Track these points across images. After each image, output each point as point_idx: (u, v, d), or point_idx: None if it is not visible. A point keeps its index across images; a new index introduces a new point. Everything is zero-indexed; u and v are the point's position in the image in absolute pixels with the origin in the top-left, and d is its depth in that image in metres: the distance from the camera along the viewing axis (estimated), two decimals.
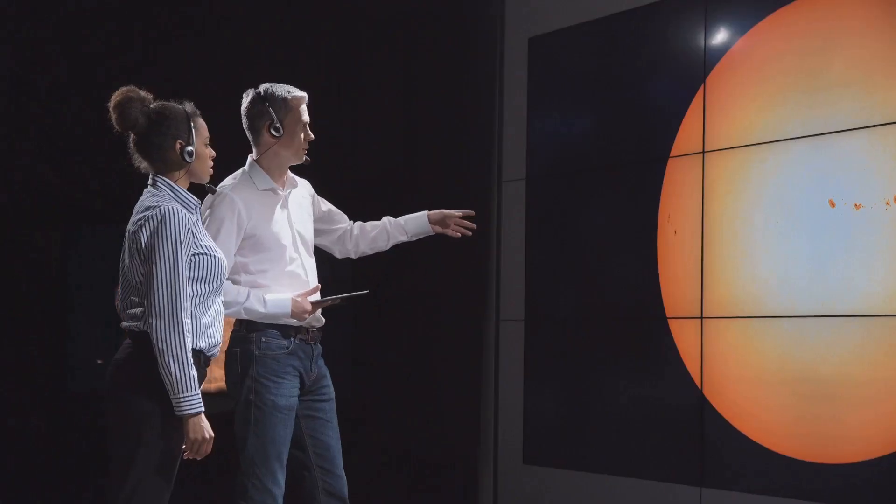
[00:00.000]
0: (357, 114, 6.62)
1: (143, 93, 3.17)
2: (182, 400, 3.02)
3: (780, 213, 4.62)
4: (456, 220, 3.99)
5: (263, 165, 3.69)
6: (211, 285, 3.16)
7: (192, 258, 3.11)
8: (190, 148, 3.17)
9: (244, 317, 3.59)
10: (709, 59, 4.94)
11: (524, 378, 5.76)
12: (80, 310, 6.69)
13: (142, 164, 3.21)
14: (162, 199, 3.13)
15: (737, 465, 4.75)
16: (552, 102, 5.72)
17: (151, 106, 3.17)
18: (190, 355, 3.03)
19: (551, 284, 5.68)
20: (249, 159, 3.72)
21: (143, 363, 3.07)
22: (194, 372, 3.04)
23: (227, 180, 3.68)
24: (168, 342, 3.02)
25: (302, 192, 3.83)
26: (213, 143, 3.31)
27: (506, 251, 5.87)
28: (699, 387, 4.92)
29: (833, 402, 4.40)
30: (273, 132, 3.66)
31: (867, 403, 4.29)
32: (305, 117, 3.71)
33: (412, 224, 3.98)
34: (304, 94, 3.73)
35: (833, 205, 4.43)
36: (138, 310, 3.11)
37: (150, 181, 3.20)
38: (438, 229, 3.99)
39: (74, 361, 6.69)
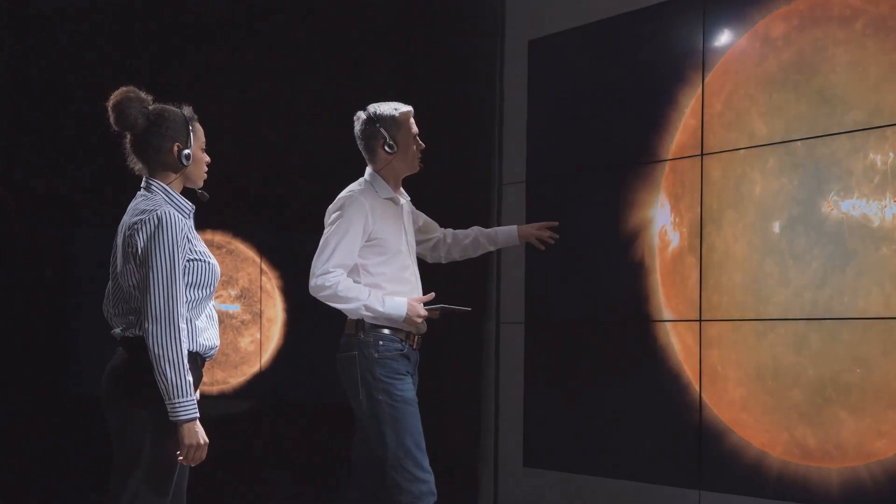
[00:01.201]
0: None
1: (142, 94, 3.15)
2: (177, 405, 2.97)
3: (779, 216, 4.61)
4: (542, 234, 4.27)
5: (382, 177, 3.95)
6: (204, 291, 3.15)
7: (187, 264, 3.08)
8: (187, 151, 3.15)
9: (363, 313, 3.79)
10: (707, 62, 4.94)
11: (524, 381, 5.76)
12: (82, 312, 6.70)
13: (137, 165, 3.18)
14: (156, 202, 3.10)
15: (735, 468, 4.74)
16: (552, 105, 5.72)
17: (150, 107, 3.15)
18: (186, 360, 2.99)
19: (552, 287, 5.68)
20: (369, 170, 3.97)
21: (139, 370, 3.04)
22: (190, 377, 3.00)
23: (354, 186, 3.92)
24: (164, 347, 2.97)
25: (409, 205, 4.10)
26: (210, 147, 3.33)
27: (506, 254, 5.86)
28: (698, 389, 4.92)
29: (832, 406, 4.40)
30: (388, 149, 3.91)
31: (866, 407, 4.29)
32: (415, 129, 4.00)
33: (502, 236, 4.30)
34: (410, 108, 4.01)
35: (832, 207, 4.43)
36: (132, 316, 3.09)
37: (143, 184, 3.17)
38: (524, 240, 4.30)
39: (76, 364, 6.70)
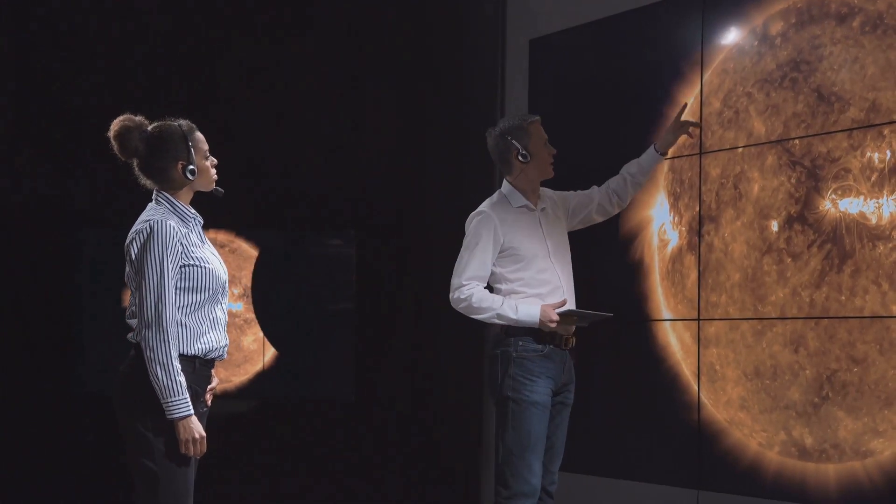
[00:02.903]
0: (358, 117, 6.63)
1: (138, 119, 3.30)
2: (170, 404, 3.15)
3: (777, 214, 4.61)
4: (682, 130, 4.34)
5: (518, 186, 4.12)
6: (203, 294, 3.28)
7: (183, 269, 3.24)
8: (191, 167, 3.30)
9: (497, 321, 3.99)
10: (706, 60, 4.93)
11: None
12: (85, 313, 6.73)
13: (147, 182, 3.35)
14: (159, 212, 3.26)
15: (734, 467, 4.73)
16: (553, 104, 5.72)
17: (149, 129, 3.30)
18: (176, 362, 3.17)
19: None
20: (505, 182, 4.17)
21: (143, 372, 3.19)
22: (181, 378, 3.17)
23: (487, 202, 4.13)
24: (154, 350, 3.15)
25: (550, 203, 4.22)
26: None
27: None
28: (697, 389, 4.92)
29: (830, 405, 4.38)
30: (521, 159, 4.10)
31: (863, 406, 4.27)
32: (544, 136, 4.16)
33: (648, 165, 4.34)
34: (538, 117, 4.17)
35: (830, 204, 4.42)
36: (135, 320, 3.25)
37: (153, 196, 3.34)
38: (666, 148, 4.34)
39: (81, 364, 6.72)
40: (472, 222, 4.07)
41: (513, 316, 3.95)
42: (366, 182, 6.54)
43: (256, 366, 6.70)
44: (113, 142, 3.27)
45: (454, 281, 4.03)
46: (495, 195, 4.16)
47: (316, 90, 6.53)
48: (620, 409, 5.26)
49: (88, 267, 6.75)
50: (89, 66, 6.57)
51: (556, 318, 3.95)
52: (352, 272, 6.66)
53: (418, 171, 6.43)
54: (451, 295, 4.04)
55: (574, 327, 4.08)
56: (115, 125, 3.27)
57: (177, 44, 6.57)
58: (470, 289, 3.99)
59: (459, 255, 4.08)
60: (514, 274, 4.03)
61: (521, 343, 3.98)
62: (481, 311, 3.97)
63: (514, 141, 4.10)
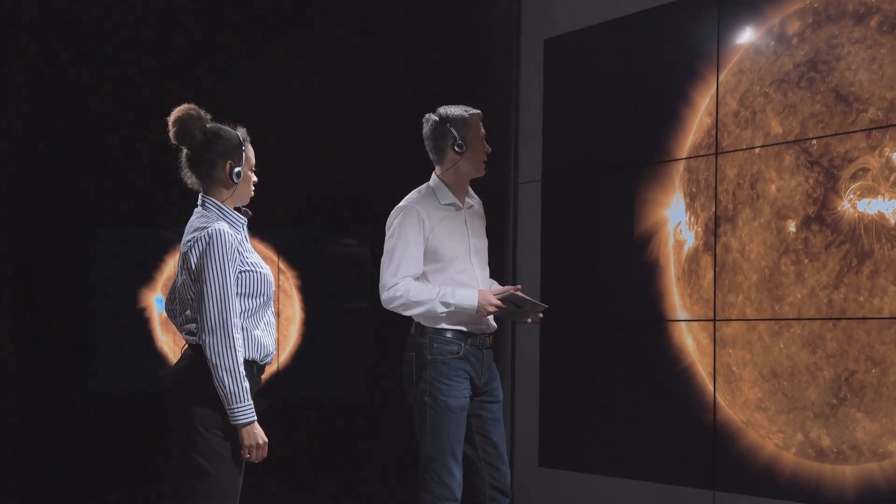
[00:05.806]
0: (372, 116, 6.63)
1: (203, 112, 3.34)
2: (236, 410, 3.18)
3: (795, 214, 4.59)
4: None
5: (447, 181, 3.99)
6: (259, 299, 3.31)
7: (239, 275, 3.26)
8: (238, 169, 3.34)
9: (440, 311, 3.81)
10: (722, 60, 4.92)
11: (540, 381, 5.75)
12: (102, 311, 6.74)
13: (191, 179, 3.37)
14: (210, 219, 3.29)
15: (749, 468, 4.72)
16: (568, 103, 5.71)
17: (208, 125, 3.34)
18: (242, 368, 3.19)
19: (567, 286, 5.66)
20: (433, 176, 4.01)
21: (203, 373, 3.21)
22: (246, 384, 3.19)
23: (412, 195, 3.96)
24: (221, 357, 3.16)
25: (477, 202, 4.12)
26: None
27: (521, 252, 5.86)
28: (712, 390, 4.90)
29: (847, 406, 4.37)
30: (457, 149, 3.95)
31: (882, 407, 4.26)
32: (482, 130, 4.03)
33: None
34: (479, 112, 4.04)
35: (848, 205, 4.40)
36: (193, 325, 3.27)
37: (199, 202, 3.36)
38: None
39: (96, 362, 6.74)
40: (397, 218, 3.91)
41: (452, 301, 3.80)
42: (379, 181, 6.53)
43: (271, 366, 6.71)
44: (171, 125, 3.27)
45: (386, 280, 3.85)
46: (422, 189, 4.00)
47: (329, 90, 6.54)
48: (635, 409, 5.25)
49: (102, 265, 6.77)
50: (103, 68, 6.59)
51: (496, 301, 3.80)
52: (366, 271, 6.66)
53: (431, 171, 6.41)
54: (384, 294, 3.85)
55: (494, 327, 3.96)
56: (180, 110, 3.29)
57: (188, 44, 6.58)
58: (405, 284, 3.83)
59: (388, 250, 3.89)
60: (433, 274, 3.89)
61: (435, 345, 3.85)
62: (420, 303, 3.82)
63: (452, 129, 3.95)
